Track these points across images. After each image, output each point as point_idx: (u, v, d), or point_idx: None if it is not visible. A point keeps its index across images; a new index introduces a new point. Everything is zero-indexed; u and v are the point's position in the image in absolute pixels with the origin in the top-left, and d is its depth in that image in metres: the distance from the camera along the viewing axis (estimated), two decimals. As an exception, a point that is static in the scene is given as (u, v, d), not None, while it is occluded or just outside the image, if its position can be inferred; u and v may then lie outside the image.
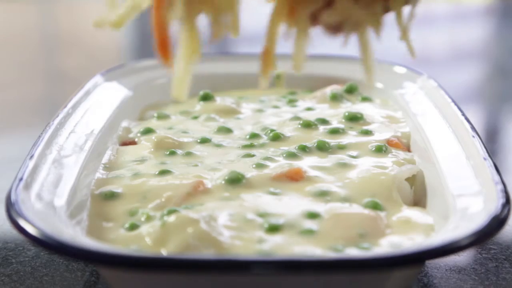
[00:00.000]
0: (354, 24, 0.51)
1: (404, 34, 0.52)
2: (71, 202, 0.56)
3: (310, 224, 0.53)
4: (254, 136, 0.70)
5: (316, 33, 0.57)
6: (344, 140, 0.69)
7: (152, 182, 0.60)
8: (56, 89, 1.32)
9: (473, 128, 0.65)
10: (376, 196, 0.57)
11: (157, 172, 0.62)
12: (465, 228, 0.49)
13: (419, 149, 0.67)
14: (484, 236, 0.48)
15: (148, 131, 0.72)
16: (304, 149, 0.66)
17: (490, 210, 0.50)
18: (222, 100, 0.81)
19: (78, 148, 0.64)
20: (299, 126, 0.72)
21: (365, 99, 0.82)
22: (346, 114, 0.73)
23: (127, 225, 0.55)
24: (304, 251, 0.51)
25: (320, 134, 0.70)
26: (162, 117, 0.77)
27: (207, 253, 0.49)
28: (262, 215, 0.55)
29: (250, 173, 0.61)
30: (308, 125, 0.72)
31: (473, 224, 0.49)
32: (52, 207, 0.54)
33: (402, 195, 0.59)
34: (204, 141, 0.69)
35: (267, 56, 0.51)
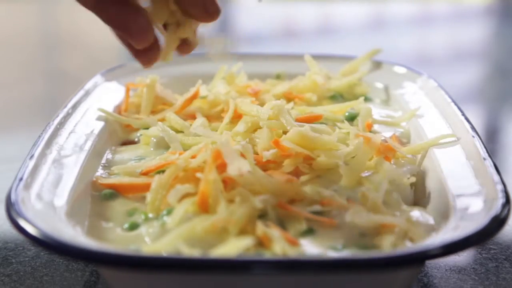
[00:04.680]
0: None
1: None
2: (71, 202, 0.56)
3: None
4: (254, 135, 0.70)
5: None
6: (344, 140, 0.69)
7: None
8: (56, 89, 1.32)
9: (473, 128, 0.65)
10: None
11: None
12: (465, 228, 0.49)
13: (419, 149, 0.67)
14: (484, 236, 0.48)
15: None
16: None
17: (490, 210, 0.50)
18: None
19: (78, 148, 0.64)
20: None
21: (365, 99, 0.82)
22: (346, 114, 0.73)
23: (126, 225, 0.55)
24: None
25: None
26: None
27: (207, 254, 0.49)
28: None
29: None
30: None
31: (473, 224, 0.49)
32: (52, 207, 0.54)
33: (402, 195, 0.59)
34: (204, 141, 0.69)
35: None
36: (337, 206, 0.55)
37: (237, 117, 0.70)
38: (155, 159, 0.63)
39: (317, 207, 0.55)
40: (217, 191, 0.53)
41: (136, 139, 0.72)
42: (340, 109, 0.73)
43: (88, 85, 0.79)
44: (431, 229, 0.54)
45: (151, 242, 0.53)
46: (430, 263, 0.62)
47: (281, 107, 0.65)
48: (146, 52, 0.62)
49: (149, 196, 0.56)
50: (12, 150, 0.94)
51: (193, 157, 0.59)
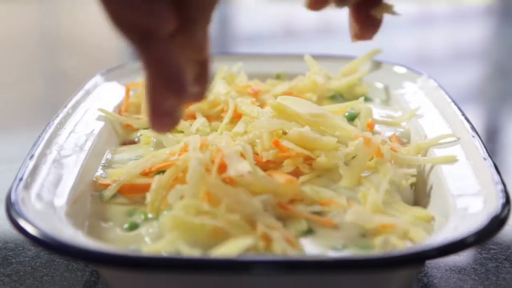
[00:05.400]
0: None
1: None
2: (71, 202, 0.56)
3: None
4: (254, 135, 0.70)
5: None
6: (344, 140, 0.69)
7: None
8: (56, 89, 1.32)
9: (473, 128, 0.65)
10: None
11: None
12: (465, 228, 0.49)
13: (419, 149, 0.67)
14: (484, 236, 0.48)
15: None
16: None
17: (490, 210, 0.50)
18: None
19: (78, 148, 0.64)
20: (300, 125, 0.72)
21: (365, 99, 0.82)
22: (346, 114, 0.73)
23: (126, 225, 0.55)
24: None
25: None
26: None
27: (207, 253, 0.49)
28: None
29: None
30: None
31: (473, 224, 0.49)
32: (52, 207, 0.54)
33: (402, 195, 0.59)
34: (204, 141, 0.69)
35: None
36: (337, 207, 0.55)
37: (237, 117, 0.70)
38: (152, 157, 0.63)
39: (317, 207, 0.55)
40: (217, 191, 0.53)
41: (136, 139, 0.72)
42: (340, 109, 0.73)
43: (88, 85, 0.79)
44: (431, 229, 0.54)
45: (151, 242, 0.53)
46: (430, 263, 0.62)
47: None
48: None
49: (149, 196, 0.56)
50: (12, 150, 0.94)
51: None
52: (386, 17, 0.65)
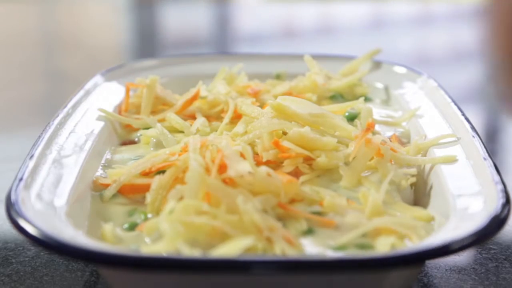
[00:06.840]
0: None
1: None
2: (71, 202, 0.56)
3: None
4: (254, 135, 0.70)
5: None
6: (344, 140, 0.69)
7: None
8: (56, 89, 1.32)
9: (473, 128, 0.65)
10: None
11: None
12: (465, 228, 0.49)
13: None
14: (484, 236, 0.48)
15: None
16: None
17: (490, 210, 0.50)
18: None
19: (78, 148, 0.64)
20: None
21: (365, 99, 0.82)
22: (346, 114, 0.73)
23: (126, 225, 0.55)
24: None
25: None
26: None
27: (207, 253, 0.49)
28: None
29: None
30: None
31: (473, 224, 0.49)
32: (52, 207, 0.54)
33: (402, 195, 0.59)
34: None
35: None
36: (337, 208, 0.55)
37: (237, 117, 0.70)
38: (152, 157, 0.63)
39: (317, 207, 0.55)
40: (216, 192, 0.53)
41: (136, 139, 0.72)
42: (340, 109, 0.73)
43: (88, 85, 0.79)
44: (431, 229, 0.54)
45: (151, 242, 0.53)
46: (430, 263, 0.62)
47: None
48: None
49: (149, 196, 0.56)
50: (12, 150, 0.94)
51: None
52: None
